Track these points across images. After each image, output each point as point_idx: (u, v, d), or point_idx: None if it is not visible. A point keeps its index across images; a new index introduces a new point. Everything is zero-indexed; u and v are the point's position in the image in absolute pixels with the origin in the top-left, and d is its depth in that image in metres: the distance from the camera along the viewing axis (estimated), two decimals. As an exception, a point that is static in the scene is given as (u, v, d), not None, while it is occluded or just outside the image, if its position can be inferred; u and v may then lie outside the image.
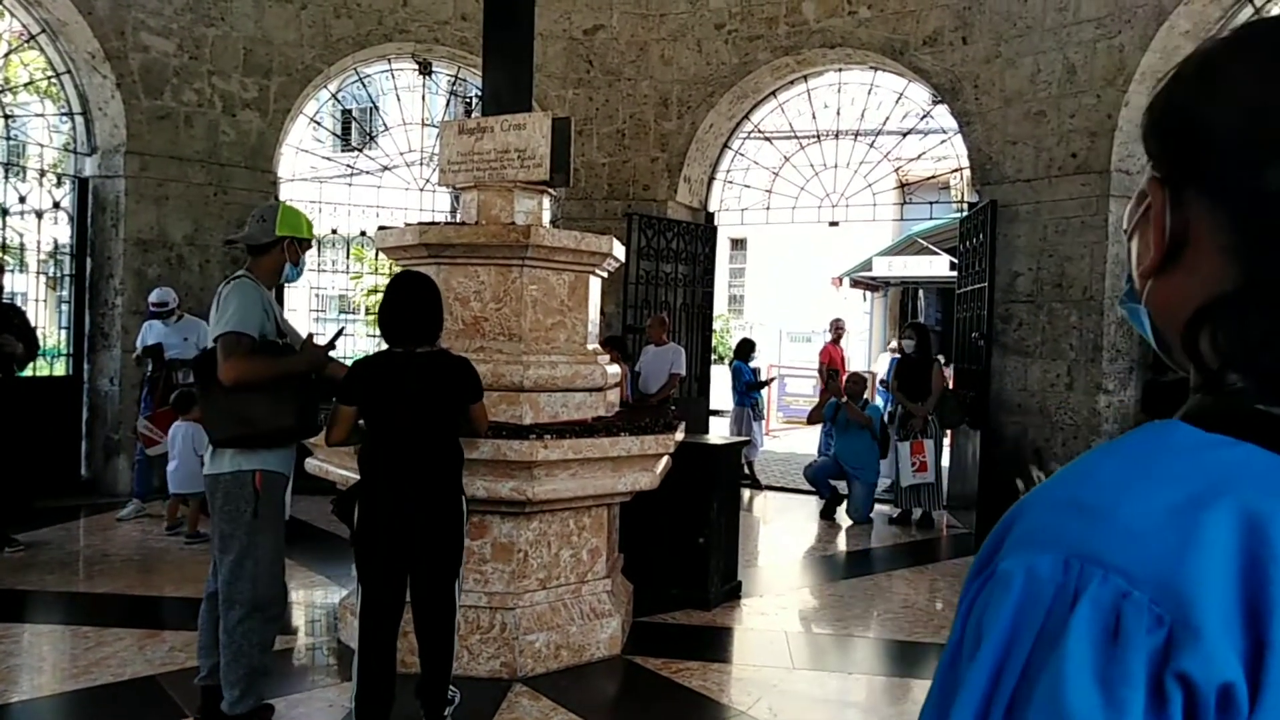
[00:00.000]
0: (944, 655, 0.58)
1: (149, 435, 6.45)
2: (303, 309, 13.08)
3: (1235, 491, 0.51)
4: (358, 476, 3.86)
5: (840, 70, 8.85)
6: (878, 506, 7.82)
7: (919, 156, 9.30)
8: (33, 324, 6.31)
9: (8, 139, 8.06)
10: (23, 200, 7.45)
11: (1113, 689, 0.48)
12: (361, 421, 3.32)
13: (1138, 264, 0.65)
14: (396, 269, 5.47)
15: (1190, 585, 0.48)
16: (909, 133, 9.12)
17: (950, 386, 7.83)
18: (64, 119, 8.01)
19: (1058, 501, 0.56)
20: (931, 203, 10.22)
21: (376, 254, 9.59)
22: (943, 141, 8.76)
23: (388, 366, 3.27)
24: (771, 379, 12.81)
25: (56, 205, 7.65)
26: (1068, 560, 0.51)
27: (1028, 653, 0.50)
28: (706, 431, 8.21)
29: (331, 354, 3.50)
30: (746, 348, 9.56)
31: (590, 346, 4.55)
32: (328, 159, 10.72)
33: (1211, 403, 0.57)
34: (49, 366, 7.93)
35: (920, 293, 21.96)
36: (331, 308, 16.21)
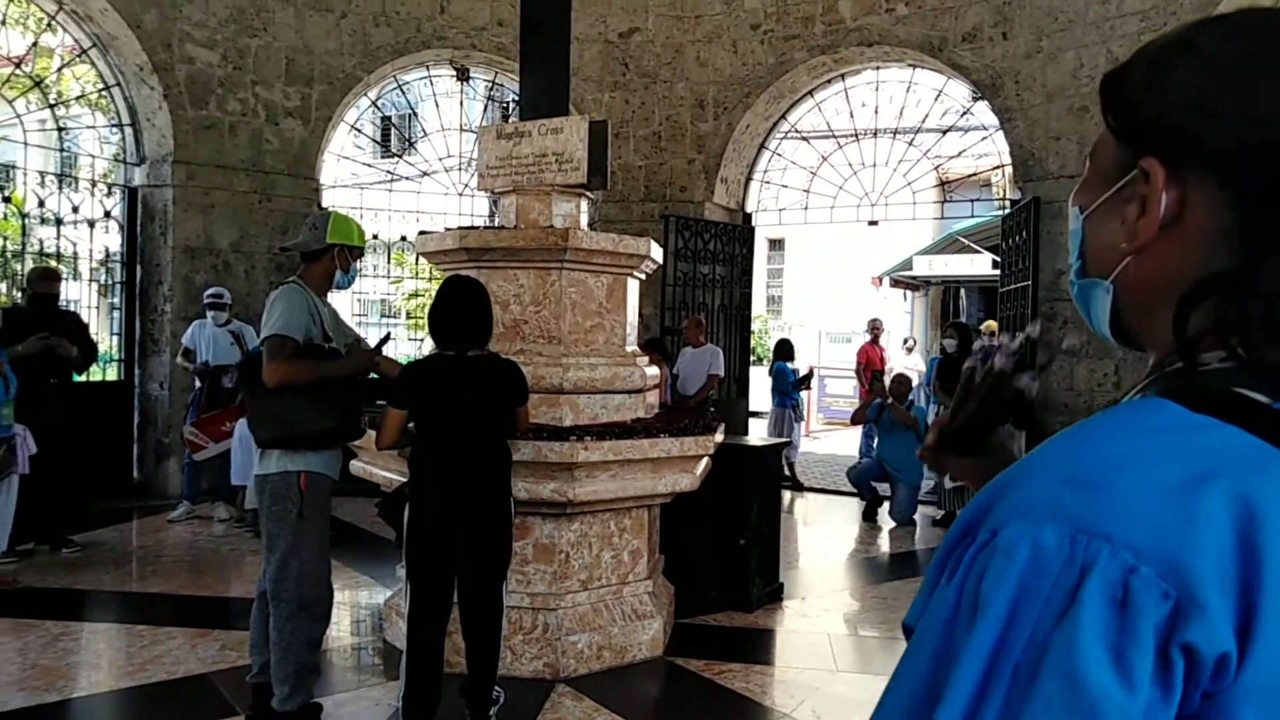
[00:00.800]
0: (929, 616, 0.59)
1: (195, 441, 6.59)
2: (345, 314, 13.28)
3: (1228, 474, 0.54)
4: (401, 479, 3.91)
5: (878, 68, 8.78)
6: (921, 508, 7.74)
7: (959, 154, 9.19)
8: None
9: (61, 151, 8.28)
10: (75, 210, 7.65)
11: (1125, 657, 0.50)
12: (411, 425, 3.36)
13: (1120, 239, 0.67)
14: (437, 274, 5.52)
15: (1194, 562, 0.52)
16: (949, 130, 9.02)
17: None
18: (114, 130, 8.21)
19: (1055, 474, 0.58)
20: (973, 200, 10.10)
21: (417, 259, 9.70)
22: (983, 138, 8.65)
23: (440, 369, 3.30)
24: (812, 373, 12.59)
25: (108, 214, 7.85)
26: (1074, 534, 0.53)
27: (1033, 622, 0.53)
28: (746, 433, 8.18)
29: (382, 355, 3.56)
30: (786, 348, 9.51)
31: (629, 348, 4.56)
32: (368, 165, 10.87)
33: (1195, 385, 0.61)
34: (102, 372, 8.13)
35: (961, 291, 21.69)
36: (373, 312, 16.42)
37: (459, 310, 3.29)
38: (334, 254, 3.48)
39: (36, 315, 5.80)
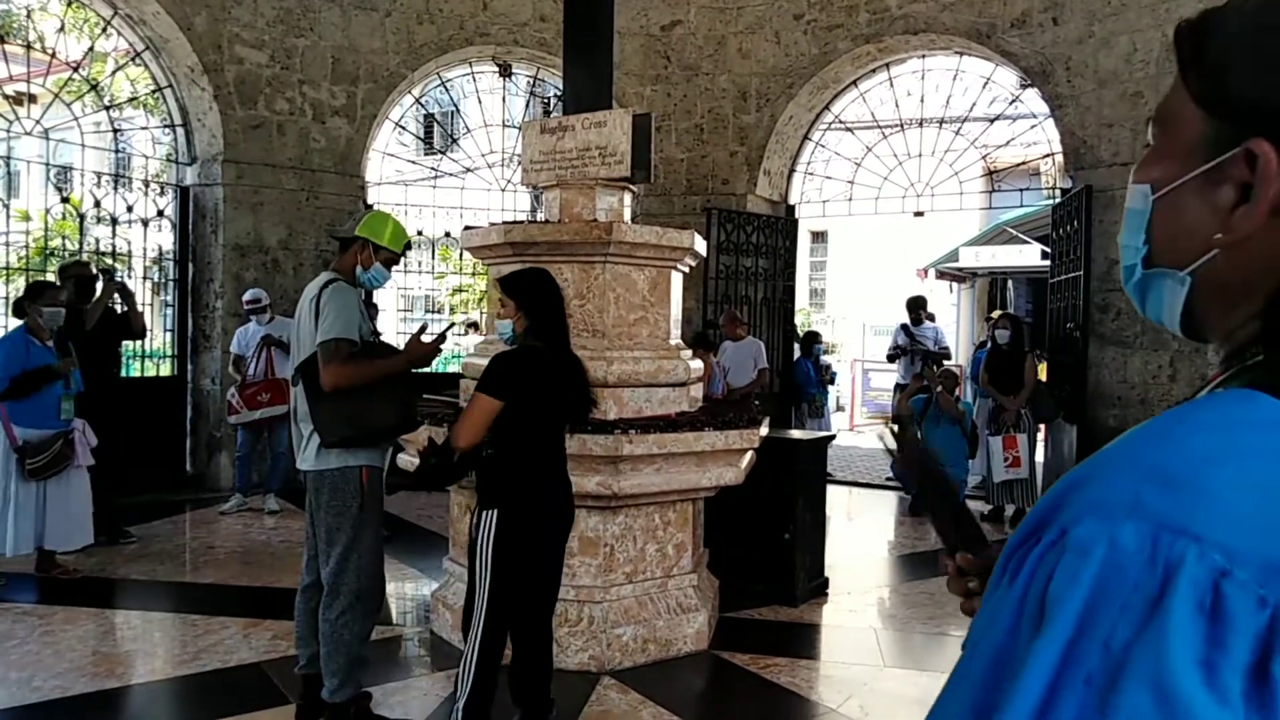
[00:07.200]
0: (988, 620, 0.54)
1: (233, 405, 6.82)
2: (390, 309, 13.43)
3: None
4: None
5: (924, 57, 8.65)
6: (969, 503, 7.62)
7: (1008, 143, 9.03)
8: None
9: (116, 152, 8.48)
10: (130, 210, 7.83)
11: (1216, 671, 0.45)
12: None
13: (1209, 228, 0.60)
14: (480, 269, 5.55)
15: None
16: (997, 118, 8.86)
17: (1042, 380, 7.58)
18: (166, 131, 8.39)
19: (1135, 469, 0.52)
20: (1021, 190, 9.89)
21: (460, 254, 9.77)
22: (1033, 126, 8.49)
23: (546, 363, 3.12)
24: (830, 377, 12.28)
25: (160, 213, 8.01)
26: (1156, 533, 0.48)
27: (1109, 629, 0.48)
28: (788, 426, 8.12)
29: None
30: (808, 340, 9.36)
31: (673, 341, 4.55)
32: (412, 162, 10.97)
33: None
34: (155, 368, 8.31)
35: (1009, 283, 21.31)
36: (417, 308, 16.59)
37: (560, 303, 3.20)
38: (357, 248, 3.46)
39: (83, 300, 5.88)
